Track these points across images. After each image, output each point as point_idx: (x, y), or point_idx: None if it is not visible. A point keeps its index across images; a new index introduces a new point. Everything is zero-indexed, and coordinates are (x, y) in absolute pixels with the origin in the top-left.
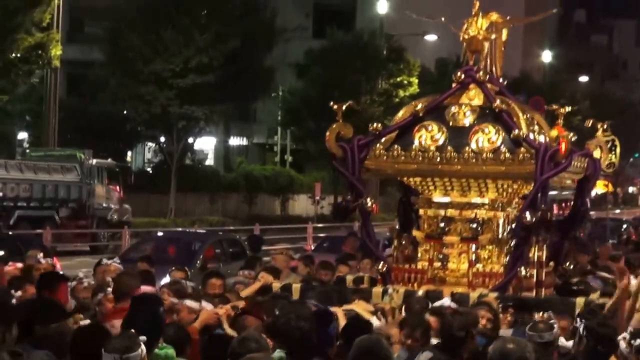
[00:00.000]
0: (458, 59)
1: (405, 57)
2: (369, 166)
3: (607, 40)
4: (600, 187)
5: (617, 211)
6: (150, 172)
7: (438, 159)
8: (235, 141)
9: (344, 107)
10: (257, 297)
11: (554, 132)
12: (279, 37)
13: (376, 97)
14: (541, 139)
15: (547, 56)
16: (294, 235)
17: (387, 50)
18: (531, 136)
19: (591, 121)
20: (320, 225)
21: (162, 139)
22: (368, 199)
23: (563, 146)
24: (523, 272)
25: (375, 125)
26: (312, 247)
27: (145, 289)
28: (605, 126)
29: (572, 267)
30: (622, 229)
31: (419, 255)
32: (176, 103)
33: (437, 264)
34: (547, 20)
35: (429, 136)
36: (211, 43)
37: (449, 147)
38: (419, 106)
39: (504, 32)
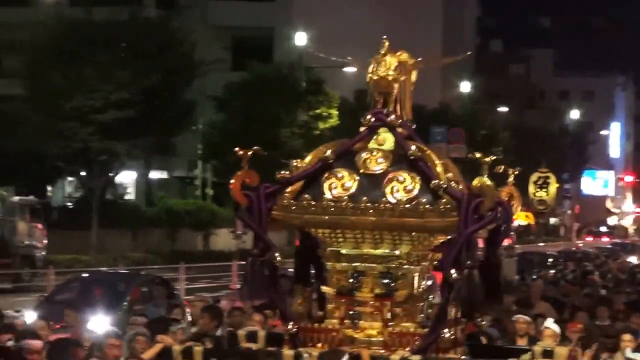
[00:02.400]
0: None
1: (324, 89)
2: (276, 217)
3: (525, 70)
4: (521, 219)
5: (541, 244)
6: (71, 207)
7: (351, 210)
8: (155, 174)
9: (249, 154)
10: None
11: (477, 182)
12: (198, 70)
13: (296, 129)
14: (458, 187)
15: (465, 87)
16: (218, 273)
17: (307, 83)
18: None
19: (502, 167)
20: (244, 262)
21: (83, 174)
22: (276, 254)
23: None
24: (447, 333)
25: (282, 172)
26: (238, 286)
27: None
28: (516, 172)
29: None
30: (548, 263)
31: (328, 313)
32: (97, 138)
33: (348, 323)
34: (464, 51)
35: (340, 184)
36: (131, 79)
37: (363, 197)
38: (328, 152)
39: (414, 73)
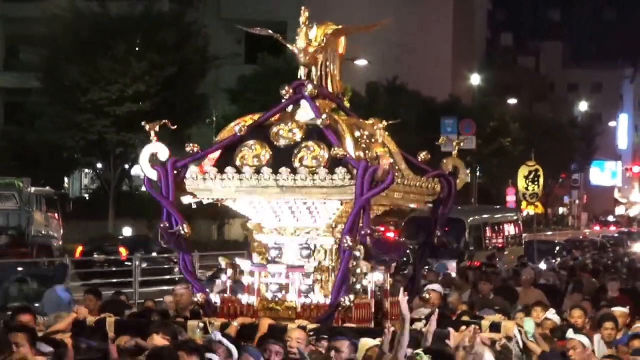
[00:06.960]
0: (388, 83)
1: None
2: (188, 190)
3: (535, 63)
4: (530, 209)
5: (549, 233)
6: (88, 199)
7: (256, 182)
8: None
9: (157, 127)
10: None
11: (378, 150)
12: (212, 63)
13: None
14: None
15: (476, 79)
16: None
17: None
18: (362, 155)
19: (455, 141)
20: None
21: (99, 165)
22: (185, 226)
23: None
24: (347, 302)
25: (192, 145)
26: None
27: None
28: (461, 143)
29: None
30: (556, 251)
31: (248, 285)
32: (113, 130)
33: (267, 295)
34: (475, 44)
35: (251, 157)
36: (147, 71)
37: (267, 169)
38: (241, 124)
39: (342, 43)
